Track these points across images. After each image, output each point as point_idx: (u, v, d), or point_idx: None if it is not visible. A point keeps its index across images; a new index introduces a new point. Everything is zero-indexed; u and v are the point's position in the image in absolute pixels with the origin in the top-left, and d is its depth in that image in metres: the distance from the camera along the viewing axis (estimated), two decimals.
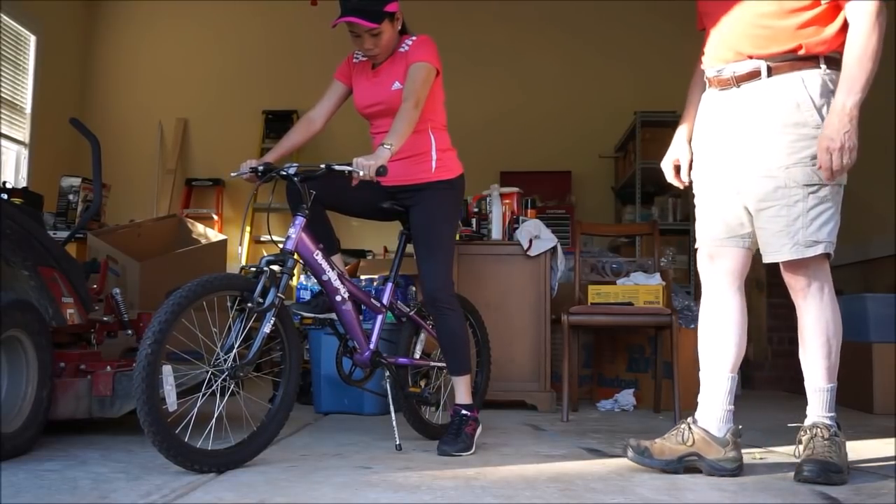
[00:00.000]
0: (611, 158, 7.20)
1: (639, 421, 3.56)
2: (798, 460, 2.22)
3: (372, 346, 2.72)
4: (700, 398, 2.36)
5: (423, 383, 2.91)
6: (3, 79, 6.20)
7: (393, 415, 2.71)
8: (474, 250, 3.98)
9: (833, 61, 2.22)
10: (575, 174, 7.36)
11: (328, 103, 2.86)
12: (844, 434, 2.28)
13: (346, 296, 2.62)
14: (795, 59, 2.22)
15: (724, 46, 2.32)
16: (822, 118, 2.18)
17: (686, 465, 2.26)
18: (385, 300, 2.81)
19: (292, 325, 2.46)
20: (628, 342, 4.24)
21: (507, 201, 4.04)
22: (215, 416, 2.25)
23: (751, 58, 2.27)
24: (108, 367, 2.64)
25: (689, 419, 2.33)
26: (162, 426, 2.07)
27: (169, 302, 2.11)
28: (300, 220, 2.48)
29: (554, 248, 3.94)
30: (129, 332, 3.13)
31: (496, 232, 3.99)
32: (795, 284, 2.30)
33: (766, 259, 2.32)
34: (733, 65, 2.30)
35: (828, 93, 2.20)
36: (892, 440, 2.93)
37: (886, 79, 4.55)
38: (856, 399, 4.01)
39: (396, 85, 2.70)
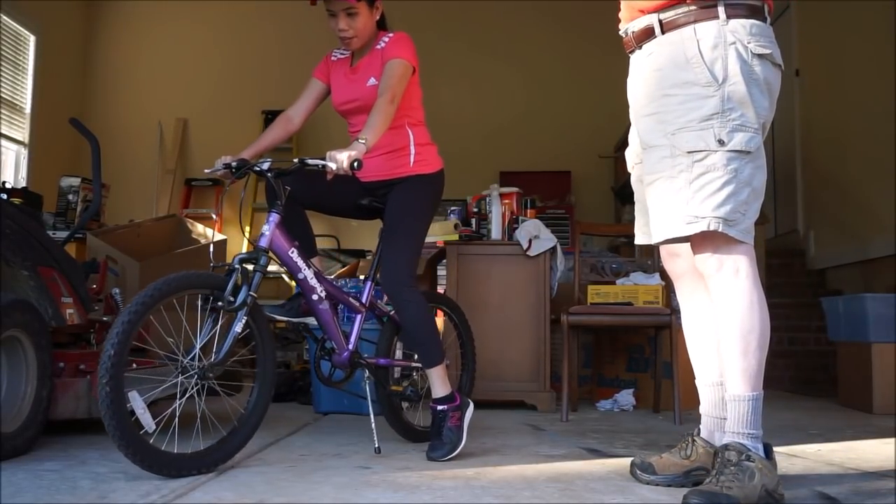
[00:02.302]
0: (611, 158, 7.21)
1: (638, 421, 3.56)
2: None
3: (350, 346, 2.66)
4: (700, 409, 2.25)
5: (405, 384, 2.85)
6: (3, 79, 6.20)
7: (372, 417, 2.64)
8: (474, 250, 3.98)
9: (738, 8, 1.97)
10: (575, 174, 7.37)
11: (306, 102, 2.84)
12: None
13: (322, 295, 2.57)
14: (689, 10, 1.98)
15: (624, 5, 2.15)
16: (714, 76, 1.93)
17: (694, 479, 2.08)
18: (364, 299, 2.76)
19: (266, 324, 2.40)
20: (628, 342, 4.24)
21: (507, 201, 4.04)
22: (198, 417, 2.24)
23: (642, 13, 2.07)
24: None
25: (694, 431, 2.21)
26: (129, 434, 2.01)
27: (132, 303, 2.05)
28: (274, 217, 2.44)
29: (553, 248, 3.94)
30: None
31: (496, 232, 3.99)
32: (705, 269, 2.00)
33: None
34: (631, 23, 2.12)
35: (724, 45, 1.94)
36: (892, 440, 2.93)
37: (886, 79, 4.56)
38: (856, 399, 4.01)
39: (372, 81, 2.68)
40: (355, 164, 2.33)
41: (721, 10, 1.96)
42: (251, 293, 2.28)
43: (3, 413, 2.31)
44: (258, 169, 2.47)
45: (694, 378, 2.27)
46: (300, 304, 2.64)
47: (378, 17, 2.76)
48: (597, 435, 3.06)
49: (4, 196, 3.60)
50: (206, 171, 2.64)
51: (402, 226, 2.66)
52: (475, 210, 4.12)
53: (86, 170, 3.94)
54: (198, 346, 2.19)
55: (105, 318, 3.08)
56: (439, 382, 2.65)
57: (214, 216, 7.14)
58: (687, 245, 2.08)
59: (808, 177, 5.99)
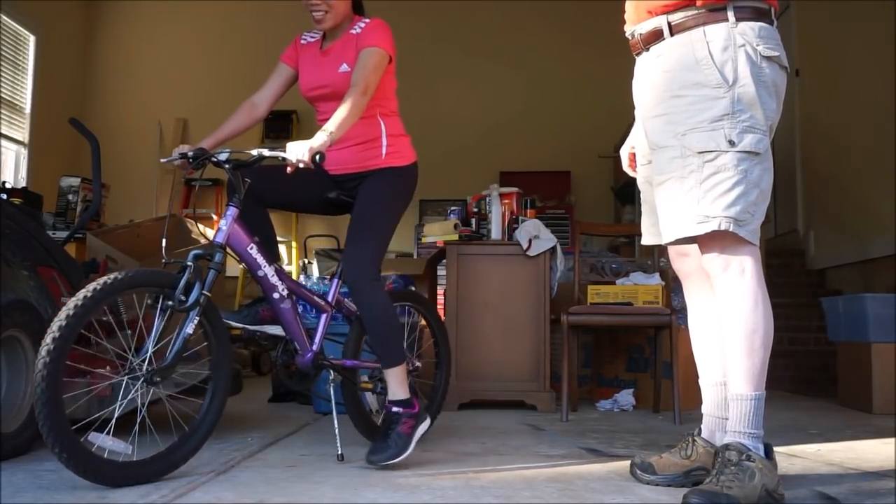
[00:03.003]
0: (610, 158, 7.22)
1: (638, 421, 3.56)
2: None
3: (315, 347, 2.51)
4: (702, 409, 2.25)
5: (375, 382, 2.72)
6: (3, 79, 6.20)
7: (335, 422, 2.49)
8: (474, 250, 3.98)
9: (746, 11, 1.98)
10: (574, 174, 7.38)
11: (272, 87, 2.69)
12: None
13: (284, 293, 2.42)
14: (699, 13, 1.99)
15: (631, 6, 2.16)
16: (724, 77, 1.94)
17: (694, 479, 2.08)
18: (331, 298, 2.62)
19: (221, 324, 2.27)
20: (628, 342, 4.24)
21: (507, 201, 4.04)
22: (172, 421, 2.20)
23: (651, 14, 2.07)
24: (108, 368, 2.63)
25: (694, 431, 2.21)
26: (67, 443, 1.89)
27: (69, 306, 1.92)
28: (232, 211, 2.30)
29: (553, 248, 3.94)
30: (129, 331, 3.12)
31: (496, 232, 3.99)
32: (711, 269, 2.02)
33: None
34: (638, 25, 2.12)
35: (733, 48, 1.95)
36: (892, 440, 2.93)
37: (886, 79, 4.56)
38: (856, 399, 4.01)
39: (344, 67, 2.53)
40: (317, 156, 2.18)
41: (730, 12, 1.98)
42: (204, 292, 2.15)
43: (3, 413, 2.31)
44: (215, 159, 2.34)
45: (693, 378, 2.26)
46: (258, 311, 2.51)
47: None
48: (596, 435, 3.06)
49: (4, 196, 3.60)
50: (162, 160, 2.49)
51: (369, 218, 2.52)
52: (475, 210, 4.12)
53: (86, 170, 3.94)
54: (130, 350, 2.07)
55: (105, 318, 3.08)
56: (397, 384, 2.50)
57: (214, 216, 7.15)
58: (696, 245, 2.09)
59: (808, 177, 5.99)
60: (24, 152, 6.58)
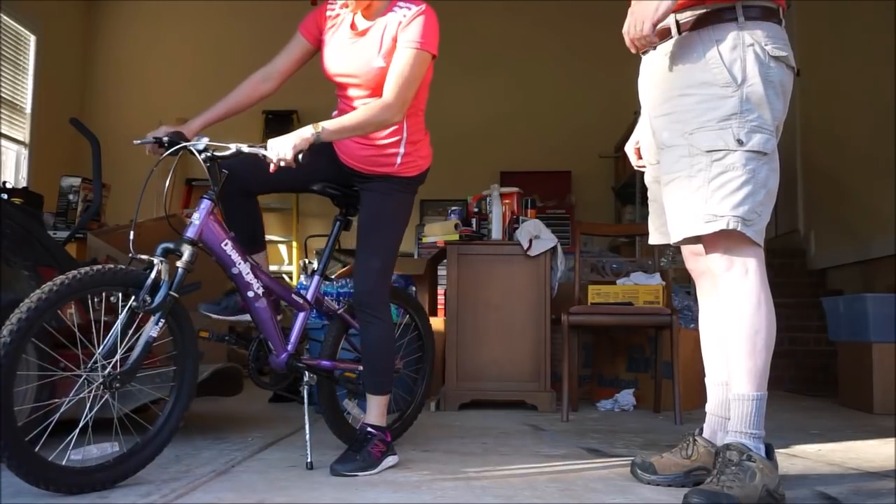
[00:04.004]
0: (611, 158, 7.21)
1: (639, 421, 3.55)
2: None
3: (290, 347, 2.39)
4: (706, 407, 2.25)
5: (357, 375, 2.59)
6: (3, 79, 6.20)
7: (307, 427, 2.38)
8: (474, 250, 3.98)
9: (755, 11, 1.97)
10: (575, 174, 7.38)
11: (286, 60, 2.48)
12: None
13: (259, 291, 2.28)
14: (707, 12, 1.98)
15: None
16: (733, 76, 1.93)
17: (695, 479, 2.08)
18: (310, 296, 2.50)
19: (190, 326, 2.15)
20: (628, 342, 4.24)
21: (507, 201, 4.04)
22: (126, 423, 2.14)
23: None
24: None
25: (695, 431, 2.22)
26: (17, 447, 1.80)
27: (21, 308, 1.83)
28: (206, 205, 2.15)
29: (554, 248, 3.94)
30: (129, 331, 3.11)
31: (496, 232, 3.99)
32: (716, 268, 2.02)
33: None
34: None
35: (742, 47, 1.95)
36: (892, 440, 2.93)
37: (886, 79, 4.56)
38: (856, 399, 4.01)
39: (379, 62, 2.28)
40: (300, 155, 2.07)
41: (739, 12, 1.97)
42: (171, 292, 2.02)
43: None
44: (191, 148, 2.17)
45: (693, 378, 2.27)
46: (237, 301, 2.36)
47: None
48: (597, 435, 3.06)
49: (5, 196, 3.60)
50: (135, 141, 2.28)
51: (377, 234, 2.39)
52: (476, 210, 4.12)
53: (86, 170, 3.94)
54: (78, 350, 1.97)
55: (105, 319, 3.07)
56: (377, 412, 2.41)
57: None
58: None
59: (809, 177, 5.99)
60: (24, 152, 6.58)
